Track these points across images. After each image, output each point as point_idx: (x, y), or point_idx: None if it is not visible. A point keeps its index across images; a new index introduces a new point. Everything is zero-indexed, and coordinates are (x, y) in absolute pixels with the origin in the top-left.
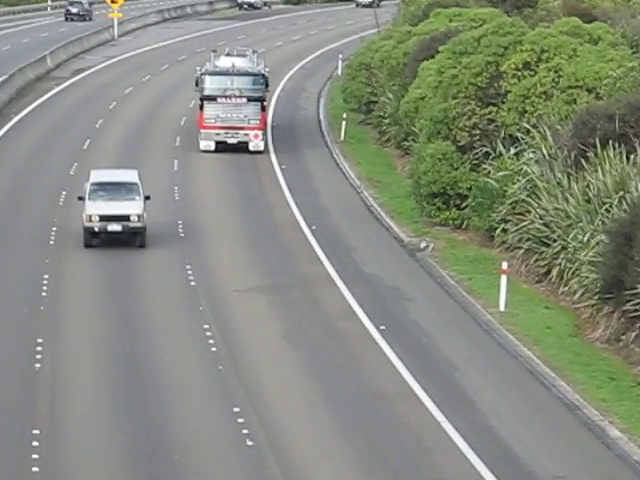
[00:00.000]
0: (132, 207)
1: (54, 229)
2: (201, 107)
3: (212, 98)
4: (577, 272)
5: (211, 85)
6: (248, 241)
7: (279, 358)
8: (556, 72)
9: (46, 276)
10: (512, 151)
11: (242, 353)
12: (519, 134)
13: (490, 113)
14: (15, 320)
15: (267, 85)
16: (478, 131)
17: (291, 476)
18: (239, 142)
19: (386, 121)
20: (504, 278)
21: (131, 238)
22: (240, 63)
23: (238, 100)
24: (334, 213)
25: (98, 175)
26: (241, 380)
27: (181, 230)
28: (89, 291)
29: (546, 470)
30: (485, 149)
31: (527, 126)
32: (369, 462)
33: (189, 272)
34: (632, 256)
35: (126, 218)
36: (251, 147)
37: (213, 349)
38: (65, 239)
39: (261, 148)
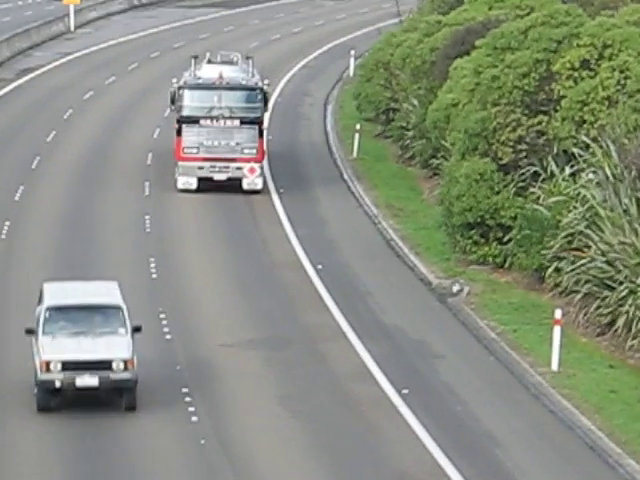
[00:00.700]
0: (115, 347)
1: None
2: (179, 132)
3: (194, 120)
4: None
5: (192, 103)
6: (238, 284)
7: (276, 430)
8: (622, 72)
9: None
10: (567, 171)
11: (230, 424)
12: (576, 150)
13: (540, 124)
14: None
15: (266, 103)
16: (525, 146)
17: None
18: (229, 179)
19: (410, 134)
20: (557, 330)
21: (113, 396)
22: (230, 73)
23: (228, 123)
24: (345, 249)
25: (57, 293)
26: (228, 458)
27: (153, 270)
28: None
29: None
30: (533, 168)
31: (586, 140)
32: None
33: (163, 322)
34: None
35: (106, 366)
36: (245, 185)
37: (194, 418)
38: (9, 282)
39: (259, 186)
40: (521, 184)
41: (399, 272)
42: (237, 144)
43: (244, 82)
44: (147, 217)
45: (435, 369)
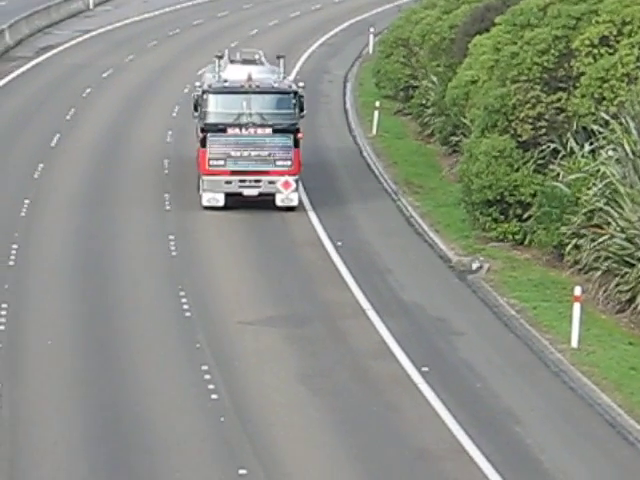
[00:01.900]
0: None
1: (14, 246)
2: (203, 142)
3: (220, 129)
4: None
5: (217, 109)
6: (257, 261)
7: (296, 407)
8: None
9: None
10: (587, 148)
11: (250, 401)
12: (595, 126)
13: (559, 100)
14: None
15: (302, 108)
16: (544, 123)
17: None
18: (261, 194)
19: (429, 111)
20: (577, 307)
21: None
22: (259, 74)
23: (259, 131)
24: (364, 226)
25: None
26: (248, 435)
27: (173, 247)
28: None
29: None
30: (553, 145)
31: (605, 116)
32: None
33: (183, 300)
34: None
35: None
36: (279, 201)
37: (213, 396)
38: (28, 260)
39: (294, 202)
40: (540, 161)
41: (418, 249)
42: (269, 155)
43: (276, 85)
44: (166, 195)
45: (455, 346)
